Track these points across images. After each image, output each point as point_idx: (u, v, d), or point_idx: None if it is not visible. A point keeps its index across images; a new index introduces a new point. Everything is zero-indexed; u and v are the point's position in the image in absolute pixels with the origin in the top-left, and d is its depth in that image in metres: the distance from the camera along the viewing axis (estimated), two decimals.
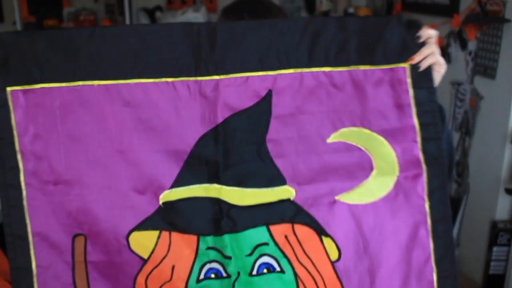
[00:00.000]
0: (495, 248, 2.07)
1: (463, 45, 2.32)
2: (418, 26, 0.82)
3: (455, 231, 2.41)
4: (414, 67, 0.83)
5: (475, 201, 2.26)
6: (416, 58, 0.83)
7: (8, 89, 0.76)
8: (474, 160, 2.26)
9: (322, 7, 3.60)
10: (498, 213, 2.08)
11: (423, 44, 0.82)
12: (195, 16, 3.35)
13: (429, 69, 0.84)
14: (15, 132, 0.77)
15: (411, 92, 0.83)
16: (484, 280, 2.15)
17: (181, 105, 0.78)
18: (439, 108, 0.88)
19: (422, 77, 0.83)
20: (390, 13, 3.25)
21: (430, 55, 0.83)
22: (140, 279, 0.80)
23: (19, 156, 0.77)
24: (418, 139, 0.83)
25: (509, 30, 1.97)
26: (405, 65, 0.82)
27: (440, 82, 0.91)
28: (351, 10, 3.46)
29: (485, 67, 2.13)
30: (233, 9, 0.98)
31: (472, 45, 2.24)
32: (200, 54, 0.78)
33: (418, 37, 0.82)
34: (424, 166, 0.82)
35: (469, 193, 2.30)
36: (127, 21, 3.50)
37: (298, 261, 0.81)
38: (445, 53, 2.51)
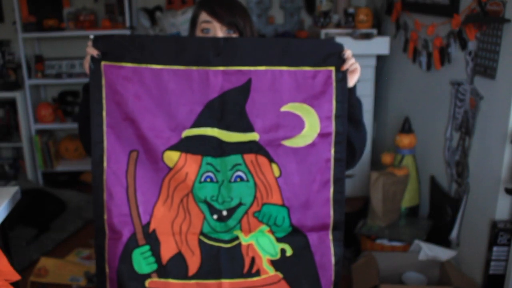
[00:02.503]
0: (495, 248, 2.07)
1: (463, 45, 2.32)
2: (341, 46, 1.32)
3: (455, 231, 2.41)
4: (338, 70, 1.31)
5: (475, 201, 2.26)
6: (345, 66, 1.31)
7: (102, 63, 1.28)
8: (474, 160, 2.26)
9: (322, 7, 3.60)
10: (498, 213, 2.08)
11: (343, 56, 1.31)
12: None
13: (345, 73, 1.32)
14: (103, 88, 1.29)
15: (333, 84, 1.32)
16: (484, 280, 2.15)
17: (198, 83, 1.29)
18: (358, 99, 1.41)
19: (341, 78, 1.32)
20: (390, 13, 3.25)
21: (353, 64, 1.33)
22: (166, 180, 1.32)
23: (104, 101, 1.29)
24: (333, 113, 1.33)
25: (509, 30, 1.97)
26: (332, 68, 1.32)
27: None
28: (351, 10, 3.46)
29: (485, 67, 2.12)
30: (206, 1, 1.49)
31: (472, 45, 2.24)
32: (212, 55, 1.28)
33: (343, 53, 1.31)
34: (333, 128, 1.34)
35: (469, 193, 2.30)
36: (127, 21, 3.50)
37: (257, 175, 1.34)
38: (445, 53, 2.51)
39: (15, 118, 3.76)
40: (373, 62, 3.32)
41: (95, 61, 1.28)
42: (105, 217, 1.32)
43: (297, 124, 1.32)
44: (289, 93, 1.31)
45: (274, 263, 1.37)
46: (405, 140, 2.70)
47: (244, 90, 1.30)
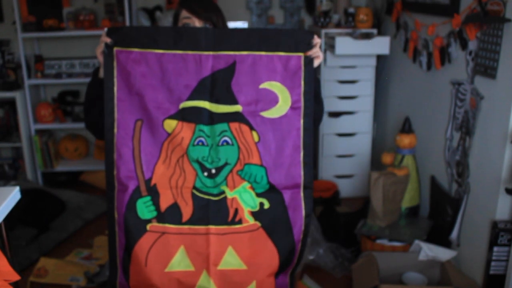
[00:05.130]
0: (495, 248, 2.07)
1: (464, 44, 2.32)
2: (312, 34, 1.56)
3: (455, 231, 2.41)
4: (305, 56, 1.57)
5: (475, 201, 2.26)
6: (309, 52, 1.56)
7: (115, 48, 1.53)
8: (474, 160, 2.26)
9: (322, 7, 3.60)
10: (498, 213, 2.08)
11: (312, 43, 1.57)
12: None
13: (312, 59, 1.58)
14: (115, 69, 1.55)
15: (302, 68, 1.58)
16: (484, 280, 2.15)
17: (193, 64, 1.54)
18: (317, 79, 1.71)
19: (308, 62, 1.58)
20: (390, 13, 3.25)
21: (316, 52, 1.57)
22: (165, 143, 1.58)
23: (115, 79, 1.55)
24: (302, 90, 1.59)
25: (509, 30, 1.97)
26: (301, 54, 1.57)
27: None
28: (351, 10, 3.46)
29: (485, 67, 2.12)
30: (186, 1, 1.77)
31: (472, 45, 2.24)
32: (204, 40, 1.53)
33: (312, 41, 1.57)
34: (302, 103, 1.59)
35: (469, 193, 2.30)
36: (127, 21, 3.49)
37: (240, 140, 1.59)
38: (445, 53, 2.51)
39: (15, 118, 3.76)
40: (373, 62, 3.32)
41: (108, 47, 1.54)
42: (115, 172, 1.58)
43: (273, 99, 1.59)
44: (266, 73, 1.57)
45: (254, 214, 1.62)
46: (405, 140, 2.70)
47: (230, 71, 1.56)
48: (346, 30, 3.34)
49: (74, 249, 2.90)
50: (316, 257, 2.62)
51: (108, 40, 1.53)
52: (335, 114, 3.44)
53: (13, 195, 1.54)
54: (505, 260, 2.07)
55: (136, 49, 1.54)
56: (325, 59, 3.32)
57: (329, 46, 3.27)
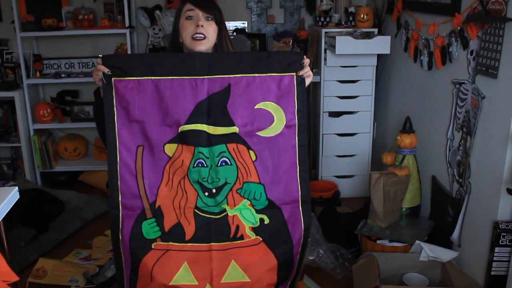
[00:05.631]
0: (497, 249, 2.06)
1: (465, 44, 2.31)
2: (302, 55, 1.65)
3: (456, 232, 2.40)
4: (297, 76, 1.64)
5: (476, 201, 2.25)
6: (301, 72, 1.64)
7: (113, 78, 1.60)
8: (475, 160, 2.25)
9: (323, 6, 3.59)
10: (500, 213, 2.07)
11: (302, 64, 1.65)
12: None
13: (303, 78, 1.65)
14: (114, 98, 1.61)
15: (295, 86, 1.64)
16: (486, 281, 2.14)
17: (189, 89, 1.60)
18: (307, 96, 1.91)
19: (300, 81, 1.65)
20: (391, 12, 3.24)
21: (308, 71, 1.66)
22: (167, 166, 1.64)
23: (115, 109, 1.61)
24: (295, 108, 1.65)
25: (511, 29, 1.96)
26: (293, 74, 1.64)
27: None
28: (351, 9, 3.45)
29: (486, 66, 2.11)
30: None
31: (473, 44, 2.23)
32: (198, 65, 1.60)
33: (303, 62, 1.65)
34: (296, 120, 1.66)
35: (471, 193, 2.29)
36: (126, 20, 3.48)
37: (238, 160, 1.65)
38: (446, 52, 2.50)
39: (14, 117, 3.75)
40: (373, 61, 3.31)
41: (106, 77, 1.60)
42: (120, 198, 1.65)
43: (268, 118, 1.65)
44: (261, 94, 1.63)
45: (254, 230, 1.69)
46: (406, 140, 2.69)
47: (225, 93, 1.62)
48: (347, 30, 3.33)
49: (73, 249, 2.89)
50: (317, 257, 2.61)
51: (106, 70, 1.60)
52: (335, 114, 3.43)
53: (12, 195, 1.53)
54: (507, 261, 2.06)
55: (133, 78, 1.59)
56: (325, 59, 3.31)
57: (330, 46, 3.26)
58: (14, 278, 1.30)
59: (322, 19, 3.49)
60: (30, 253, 2.76)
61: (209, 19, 1.77)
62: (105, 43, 3.83)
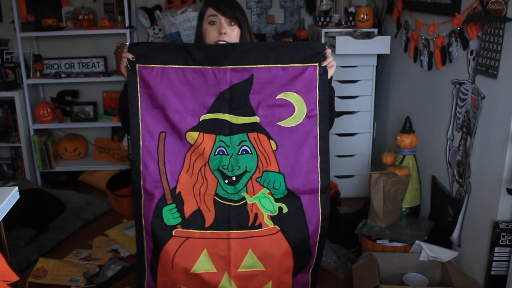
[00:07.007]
0: (497, 249, 2.06)
1: (465, 44, 2.31)
2: (324, 45, 1.67)
3: (456, 232, 2.40)
4: (320, 66, 1.65)
5: (476, 201, 2.25)
6: (325, 62, 1.65)
7: (137, 65, 1.63)
8: (475, 160, 2.25)
9: (323, 6, 3.59)
10: (499, 213, 2.07)
11: (324, 54, 1.66)
12: (195, 15, 3.33)
13: (326, 68, 1.66)
14: (138, 84, 1.64)
15: (317, 77, 1.65)
16: (486, 281, 2.14)
17: (212, 78, 1.64)
18: (332, 88, 1.76)
19: (323, 72, 1.66)
20: (391, 13, 3.24)
21: (331, 61, 1.67)
22: (188, 154, 1.68)
23: (139, 95, 1.65)
24: (317, 99, 1.67)
25: (511, 29, 1.96)
26: (316, 64, 1.65)
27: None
28: (351, 9, 3.45)
29: (486, 66, 2.11)
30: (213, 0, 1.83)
31: (473, 44, 2.23)
32: (222, 55, 1.63)
33: (325, 52, 1.66)
34: (317, 111, 1.68)
35: (471, 193, 2.29)
36: (127, 20, 3.48)
37: (259, 149, 1.68)
38: (446, 52, 2.50)
39: (14, 118, 3.75)
40: (373, 61, 3.31)
41: (131, 63, 1.64)
42: (141, 183, 1.69)
43: (289, 108, 1.66)
44: (283, 84, 1.64)
45: (273, 218, 1.71)
46: (406, 140, 2.69)
47: (248, 83, 1.64)
48: (347, 30, 3.33)
49: (73, 249, 2.88)
50: None
51: (130, 56, 1.63)
52: (335, 114, 3.43)
53: (12, 195, 1.53)
54: (507, 261, 2.06)
55: (157, 65, 1.63)
56: None
57: (330, 46, 3.26)
58: (14, 278, 1.30)
59: (322, 19, 3.49)
60: (30, 253, 2.76)
61: (232, 23, 1.80)
62: (105, 43, 3.84)
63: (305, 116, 1.67)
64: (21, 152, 3.70)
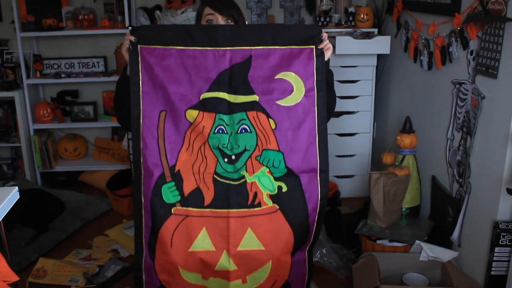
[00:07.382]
0: (497, 249, 2.06)
1: (465, 44, 2.31)
2: (320, 29, 1.71)
3: (456, 232, 2.40)
4: (317, 49, 1.70)
5: (476, 201, 2.25)
6: (321, 45, 1.70)
7: (139, 45, 1.67)
8: (475, 160, 2.25)
9: (323, 6, 3.59)
10: (499, 213, 2.07)
11: (321, 37, 1.70)
12: (194, 15, 3.33)
13: (322, 50, 1.71)
14: (139, 64, 1.67)
15: (314, 59, 1.70)
16: (486, 281, 2.14)
17: (212, 59, 1.67)
18: (330, 71, 1.81)
19: (320, 54, 1.70)
20: (391, 13, 3.24)
21: (327, 44, 1.71)
22: (188, 132, 1.69)
23: (140, 74, 1.68)
24: (314, 79, 1.70)
25: (511, 29, 1.96)
26: (313, 47, 1.70)
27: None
28: (351, 9, 3.45)
29: (486, 66, 2.11)
30: None
31: (473, 44, 2.23)
32: (221, 37, 1.66)
33: (321, 35, 1.70)
34: (315, 91, 1.71)
35: (471, 193, 2.29)
36: (126, 20, 3.48)
37: (258, 128, 1.69)
38: (446, 52, 2.50)
39: (14, 118, 3.75)
40: (373, 61, 3.31)
41: (133, 44, 1.67)
42: (141, 160, 1.70)
43: (288, 88, 1.69)
44: (281, 65, 1.68)
45: (272, 197, 1.73)
46: (406, 140, 2.69)
47: (247, 64, 1.68)
48: (347, 30, 3.34)
49: (73, 249, 2.89)
50: (320, 257, 2.61)
51: (133, 38, 1.66)
52: (335, 114, 3.43)
53: (12, 195, 1.53)
54: (507, 261, 2.06)
55: (159, 46, 1.66)
56: None
57: None
58: (14, 278, 1.30)
59: (322, 19, 3.49)
60: (30, 253, 2.76)
61: (229, 21, 1.86)
62: (105, 43, 3.83)
63: (304, 95, 1.70)
64: (21, 152, 3.70)
